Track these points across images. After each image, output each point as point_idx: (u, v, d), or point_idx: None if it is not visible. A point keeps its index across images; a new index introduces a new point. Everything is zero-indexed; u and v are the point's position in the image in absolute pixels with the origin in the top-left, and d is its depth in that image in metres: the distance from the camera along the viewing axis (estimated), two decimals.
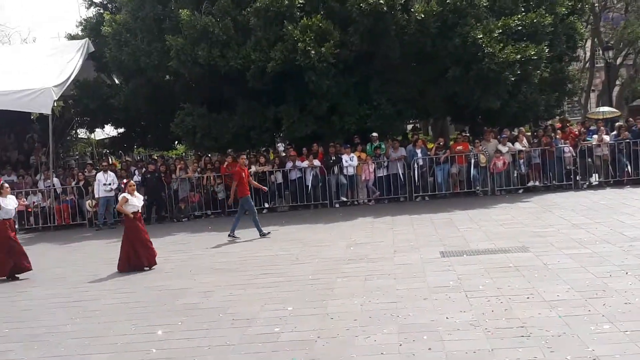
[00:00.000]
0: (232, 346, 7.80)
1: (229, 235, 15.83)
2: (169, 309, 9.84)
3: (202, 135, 21.89)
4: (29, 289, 12.37)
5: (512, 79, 20.05)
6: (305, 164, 20.88)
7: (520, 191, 20.35)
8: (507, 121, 22.29)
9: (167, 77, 23.21)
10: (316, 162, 20.90)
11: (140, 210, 13.51)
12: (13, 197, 13.83)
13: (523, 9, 21.31)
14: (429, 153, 21.12)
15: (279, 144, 26.46)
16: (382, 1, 19.60)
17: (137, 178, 21.79)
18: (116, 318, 9.57)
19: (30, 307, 10.86)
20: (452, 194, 20.61)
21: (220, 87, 22.24)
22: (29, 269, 13.48)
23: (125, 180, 13.80)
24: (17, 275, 13.37)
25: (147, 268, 13.11)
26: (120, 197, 13.43)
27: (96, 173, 21.49)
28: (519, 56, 19.80)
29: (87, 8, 27.23)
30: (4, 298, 11.65)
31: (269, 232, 15.94)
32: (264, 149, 24.05)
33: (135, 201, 13.25)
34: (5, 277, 13.34)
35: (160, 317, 9.43)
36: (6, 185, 14.10)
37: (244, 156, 17.70)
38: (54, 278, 13.13)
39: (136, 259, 13.09)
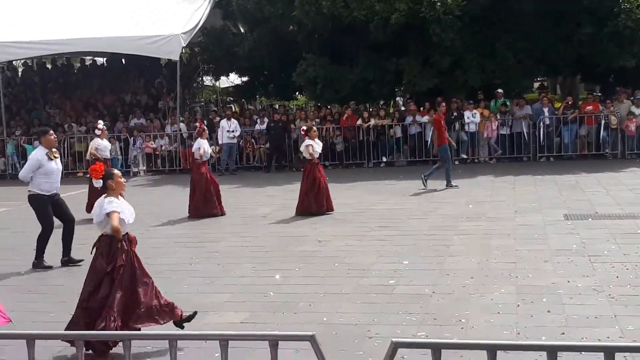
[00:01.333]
0: (346, 295, 7.89)
1: (446, 186, 15.58)
2: (287, 255, 10.06)
3: (323, 86, 21.95)
4: (156, 227, 12.93)
5: None
6: (426, 118, 20.58)
7: None
8: None
9: (291, 26, 23.36)
10: None
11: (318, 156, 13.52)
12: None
13: None
14: (556, 112, 20.35)
15: (397, 99, 26.18)
16: None
17: (259, 127, 22.23)
18: (236, 260, 9.88)
19: (157, 245, 11.35)
20: (579, 155, 19.82)
21: (342, 38, 22.18)
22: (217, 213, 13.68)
23: (305, 127, 13.99)
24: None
25: (327, 212, 13.14)
26: (303, 144, 13.46)
27: (220, 120, 22.03)
28: None
29: None
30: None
31: (456, 185, 15.53)
32: (383, 102, 23.89)
33: (316, 147, 13.34)
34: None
35: (278, 262, 9.66)
36: (205, 128, 14.52)
37: (444, 104, 17.49)
38: (178, 219, 13.64)
39: (312, 202, 13.10)
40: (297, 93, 28.04)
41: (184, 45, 22.25)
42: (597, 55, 20.03)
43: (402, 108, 22.04)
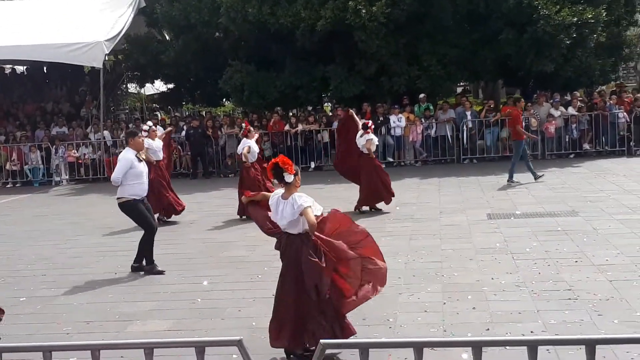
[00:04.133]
0: None
1: (507, 181, 15.48)
2: (215, 261, 9.98)
3: (250, 93, 21.89)
4: (77, 237, 12.62)
5: (567, 42, 19.64)
6: None
7: (572, 156, 19.96)
8: (560, 85, 21.82)
9: (217, 33, 23.21)
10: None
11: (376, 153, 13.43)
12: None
13: None
14: (478, 115, 20.81)
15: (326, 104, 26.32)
16: None
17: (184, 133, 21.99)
18: (163, 267, 9.71)
19: (79, 254, 11.08)
20: (501, 157, 20.31)
21: (269, 45, 22.17)
22: None
23: (364, 121, 13.77)
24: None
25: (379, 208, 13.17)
26: (364, 138, 13.09)
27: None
28: (575, 19, 19.34)
29: None
30: (54, 246, 11.91)
31: (517, 181, 15.41)
32: (310, 107, 23.98)
33: (374, 140, 13.21)
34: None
35: (206, 268, 9.57)
36: (251, 129, 13.71)
37: (522, 100, 17.51)
38: (102, 227, 13.36)
39: (377, 194, 13.12)
40: (224, 99, 27.87)
41: (107, 52, 21.86)
42: (517, 60, 20.55)
43: (330, 114, 22.16)
